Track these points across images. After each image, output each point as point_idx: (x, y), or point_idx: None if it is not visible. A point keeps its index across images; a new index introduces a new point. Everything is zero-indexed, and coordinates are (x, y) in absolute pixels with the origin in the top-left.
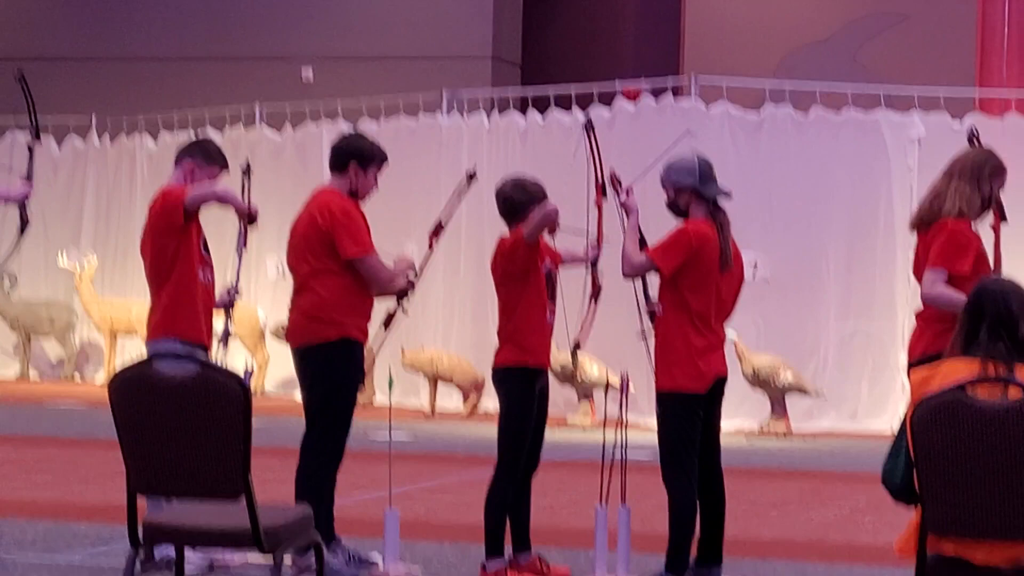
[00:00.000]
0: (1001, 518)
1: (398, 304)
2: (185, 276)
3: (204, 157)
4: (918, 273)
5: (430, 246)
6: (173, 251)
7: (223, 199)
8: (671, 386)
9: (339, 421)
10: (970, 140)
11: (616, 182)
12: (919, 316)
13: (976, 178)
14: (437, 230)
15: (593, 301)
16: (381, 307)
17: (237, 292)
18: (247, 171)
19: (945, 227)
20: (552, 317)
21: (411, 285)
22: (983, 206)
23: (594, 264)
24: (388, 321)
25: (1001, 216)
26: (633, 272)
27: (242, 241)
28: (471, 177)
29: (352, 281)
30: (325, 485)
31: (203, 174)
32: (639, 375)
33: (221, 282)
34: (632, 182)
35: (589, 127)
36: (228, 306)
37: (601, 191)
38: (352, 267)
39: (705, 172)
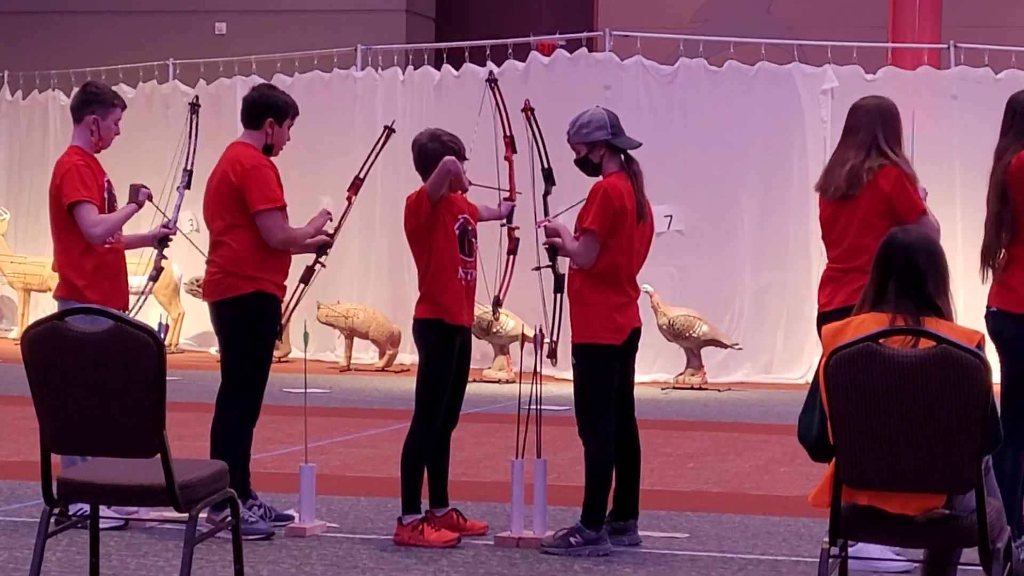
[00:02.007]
0: (913, 469)
1: (316, 259)
2: (84, 242)
3: (102, 105)
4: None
5: (348, 200)
6: (70, 220)
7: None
8: (588, 338)
9: (255, 376)
10: None
11: (528, 110)
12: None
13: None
14: (355, 184)
15: (510, 256)
16: (300, 261)
17: (173, 229)
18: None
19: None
20: (469, 274)
21: (329, 239)
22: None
23: (509, 218)
24: (307, 276)
25: None
26: (590, 259)
27: (185, 181)
28: (390, 131)
29: None
30: (241, 440)
31: (108, 120)
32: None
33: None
34: (543, 220)
35: (493, 82)
36: (163, 238)
37: (510, 146)
38: None
39: (616, 124)
